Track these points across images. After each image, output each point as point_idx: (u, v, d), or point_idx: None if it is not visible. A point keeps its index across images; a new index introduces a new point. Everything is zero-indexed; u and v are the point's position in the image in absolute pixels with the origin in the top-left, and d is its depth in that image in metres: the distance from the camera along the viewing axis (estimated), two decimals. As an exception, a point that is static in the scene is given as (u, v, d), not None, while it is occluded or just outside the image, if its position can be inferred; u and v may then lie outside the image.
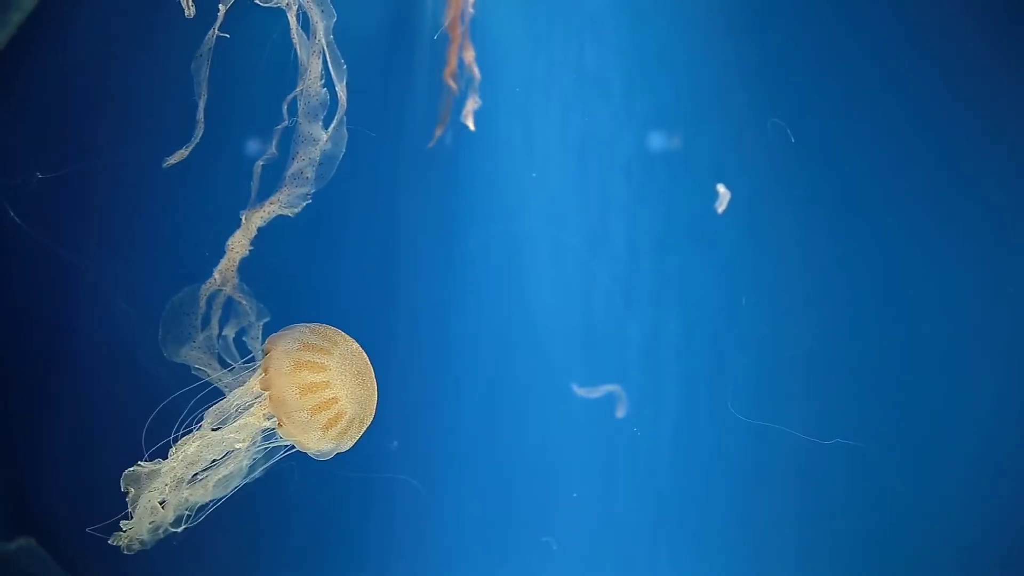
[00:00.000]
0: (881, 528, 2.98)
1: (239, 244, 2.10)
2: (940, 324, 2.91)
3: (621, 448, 3.13)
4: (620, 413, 3.08)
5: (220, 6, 1.93)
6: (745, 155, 3.03)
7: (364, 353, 1.96)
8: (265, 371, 1.84)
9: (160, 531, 1.98)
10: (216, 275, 2.09)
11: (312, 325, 1.94)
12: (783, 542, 3.05)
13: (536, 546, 3.17)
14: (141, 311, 2.65)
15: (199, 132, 2.00)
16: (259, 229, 2.73)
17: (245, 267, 2.99)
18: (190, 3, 1.92)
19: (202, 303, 2.09)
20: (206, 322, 2.09)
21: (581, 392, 3.11)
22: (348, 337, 1.96)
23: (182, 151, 2.02)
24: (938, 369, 2.93)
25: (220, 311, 2.11)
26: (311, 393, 1.83)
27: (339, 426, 1.87)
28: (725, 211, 3.05)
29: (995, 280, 2.88)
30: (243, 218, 2.10)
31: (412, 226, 3.09)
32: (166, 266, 2.68)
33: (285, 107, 2.05)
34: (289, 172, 2.07)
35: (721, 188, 2.95)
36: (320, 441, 1.86)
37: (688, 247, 3.11)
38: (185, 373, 2.13)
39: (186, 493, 1.95)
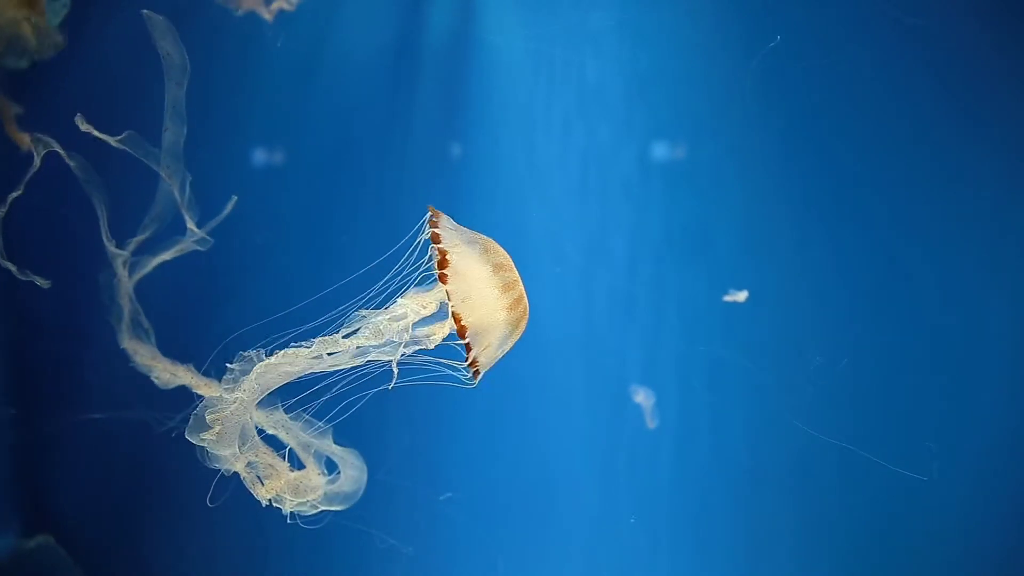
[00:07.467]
0: (879, 528, 3.00)
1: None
2: (938, 327, 2.93)
3: (621, 451, 3.17)
4: (652, 424, 3.12)
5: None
6: (742, 167, 3.08)
7: None
8: (445, 254, 1.67)
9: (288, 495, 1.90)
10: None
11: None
12: (782, 544, 3.07)
13: (536, 548, 3.22)
14: (153, 314, 2.69)
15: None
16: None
17: (247, 275, 3.00)
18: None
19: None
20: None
21: (639, 397, 3.14)
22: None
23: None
24: (936, 370, 2.94)
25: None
26: (502, 272, 1.72)
27: (518, 311, 1.74)
28: (723, 219, 3.09)
29: (994, 280, 2.90)
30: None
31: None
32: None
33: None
34: None
35: (743, 294, 3.00)
36: (500, 327, 1.70)
37: (687, 257, 3.15)
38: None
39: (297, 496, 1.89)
